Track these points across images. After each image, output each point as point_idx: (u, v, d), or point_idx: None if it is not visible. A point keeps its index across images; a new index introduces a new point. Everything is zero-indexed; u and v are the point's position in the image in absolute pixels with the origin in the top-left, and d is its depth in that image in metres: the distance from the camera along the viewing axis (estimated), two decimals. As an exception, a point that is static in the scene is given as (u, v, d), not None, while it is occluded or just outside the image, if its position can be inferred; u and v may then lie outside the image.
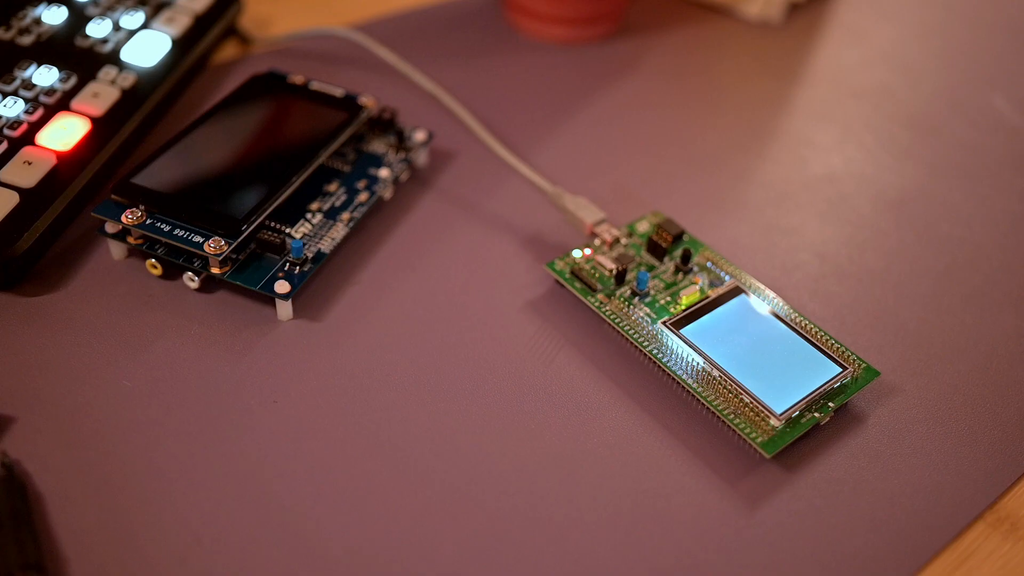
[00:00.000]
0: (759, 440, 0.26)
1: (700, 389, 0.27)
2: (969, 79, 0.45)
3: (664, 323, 0.29)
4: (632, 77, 0.43)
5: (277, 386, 0.28)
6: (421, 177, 0.36)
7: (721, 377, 0.27)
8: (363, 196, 0.33)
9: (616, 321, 0.29)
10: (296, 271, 0.30)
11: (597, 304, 0.30)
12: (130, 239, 0.30)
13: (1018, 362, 0.30)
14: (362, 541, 0.24)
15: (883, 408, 0.29)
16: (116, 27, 0.37)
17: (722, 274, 0.31)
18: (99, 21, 0.37)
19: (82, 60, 0.35)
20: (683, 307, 0.30)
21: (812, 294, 0.32)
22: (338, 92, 0.36)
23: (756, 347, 0.28)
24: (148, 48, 0.37)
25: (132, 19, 0.38)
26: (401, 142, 0.36)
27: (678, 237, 0.32)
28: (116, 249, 0.32)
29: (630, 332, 0.29)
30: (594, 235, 0.32)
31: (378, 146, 0.36)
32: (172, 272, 0.31)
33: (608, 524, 0.25)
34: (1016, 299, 0.33)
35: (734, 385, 0.27)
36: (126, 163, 0.35)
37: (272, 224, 0.31)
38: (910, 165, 0.39)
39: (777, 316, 0.29)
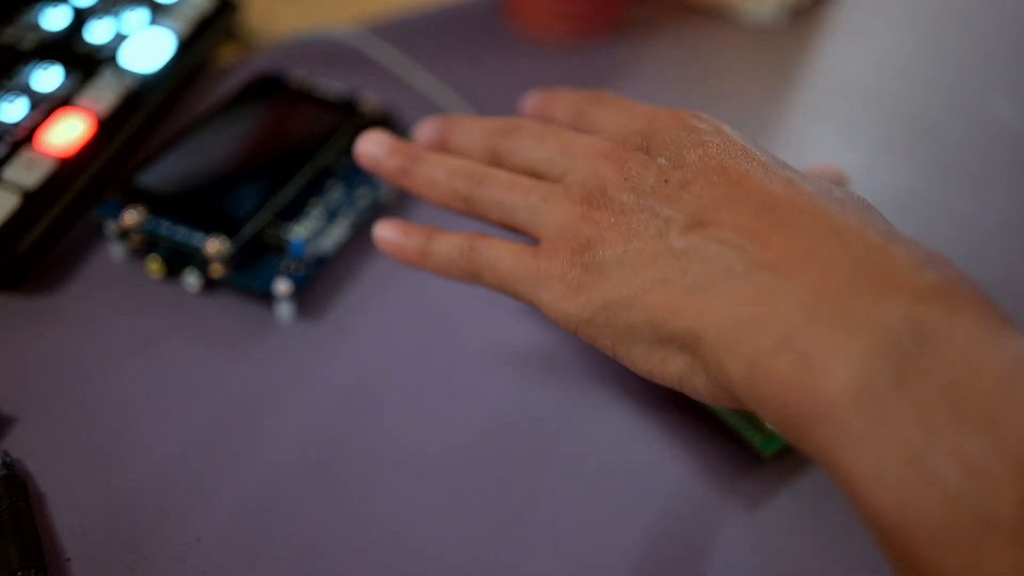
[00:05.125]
0: (758, 440, 0.26)
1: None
2: (968, 81, 0.45)
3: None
4: (633, 79, 0.43)
5: (277, 387, 0.28)
6: (421, 178, 0.36)
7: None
8: (364, 197, 0.33)
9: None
10: (297, 272, 0.30)
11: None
12: (131, 239, 0.31)
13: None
14: (363, 541, 0.24)
15: (883, 408, 0.29)
16: (119, 28, 0.37)
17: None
18: (102, 22, 0.37)
19: (85, 60, 0.35)
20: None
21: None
22: (339, 93, 0.36)
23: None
24: (151, 49, 0.37)
25: (135, 20, 0.38)
26: (401, 143, 0.36)
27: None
28: (117, 249, 0.32)
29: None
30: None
31: (378, 147, 0.36)
32: (173, 272, 0.31)
33: (608, 524, 0.25)
34: (1016, 300, 0.33)
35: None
36: (128, 164, 0.35)
37: (273, 225, 0.31)
38: (909, 166, 0.39)
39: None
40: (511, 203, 0.24)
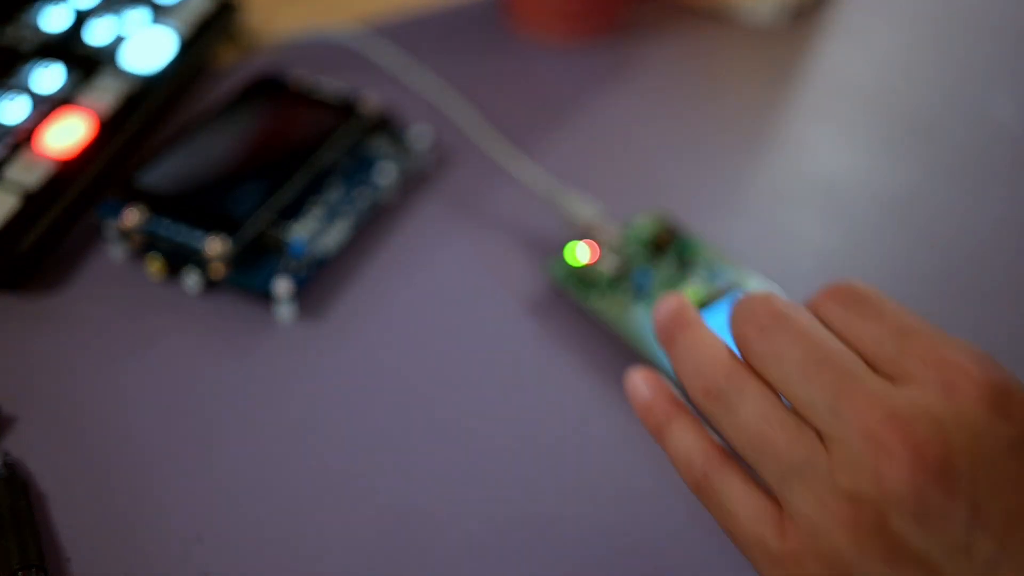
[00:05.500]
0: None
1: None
2: (968, 81, 0.45)
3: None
4: (633, 79, 0.43)
5: (277, 386, 0.28)
6: (423, 177, 0.36)
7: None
8: (365, 197, 0.33)
9: (615, 321, 0.29)
10: (297, 272, 0.30)
11: (596, 305, 0.30)
12: (131, 240, 0.31)
13: (1019, 365, 0.30)
14: (363, 541, 0.24)
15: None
16: (120, 28, 0.37)
17: (721, 274, 0.31)
18: (103, 22, 0.37)
19: (86, 61, 0.35)
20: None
21: (812, 294, 0.32)
22: (339, 93, 0.36)
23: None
24: (151, 49, 0.37)
25: (136, 20, 0.38)
26: (402, 143, 0.36)
27: (677, 236, 0.32)
28: (117, 250, 0.32)
29: (629, 332, 0.29)
30: (593, 234, 0.32)
31: (379, 147, 0.36)
32: (173, 273, 0.31)
33: (606, 526, 0.25)
34: (1016, 301, 0.33)
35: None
36: (128, 164, 0.35)
37: (273, 225, 0.31)
38: (910, 167, 0.39)
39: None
40: (756, 445, 0.19)
